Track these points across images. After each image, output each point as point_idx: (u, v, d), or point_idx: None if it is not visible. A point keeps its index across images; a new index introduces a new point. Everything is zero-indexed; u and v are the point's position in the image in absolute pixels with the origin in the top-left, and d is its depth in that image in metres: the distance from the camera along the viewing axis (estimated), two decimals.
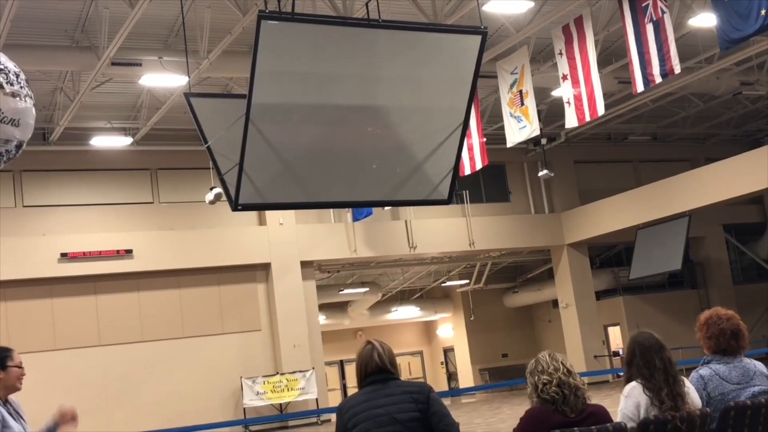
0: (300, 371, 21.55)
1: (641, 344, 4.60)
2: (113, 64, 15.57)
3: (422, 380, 31.19)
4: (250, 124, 6.75)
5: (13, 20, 13.51)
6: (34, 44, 15.43)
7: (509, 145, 17.95)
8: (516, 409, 17.76)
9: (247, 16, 14.32)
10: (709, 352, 4.85)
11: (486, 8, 14.82)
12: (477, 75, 7.47)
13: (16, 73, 4.95)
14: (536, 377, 4.34)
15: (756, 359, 4.94)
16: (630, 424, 4.39)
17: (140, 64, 16.11)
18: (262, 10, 6.76)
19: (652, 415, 4.35)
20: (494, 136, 21.40)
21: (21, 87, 4.92)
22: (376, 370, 4.38)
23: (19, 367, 4.86)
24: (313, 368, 21.77)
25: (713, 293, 27.62)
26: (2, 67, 4.90)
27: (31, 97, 4.98)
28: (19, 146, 4.97)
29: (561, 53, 16.09)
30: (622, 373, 4.82)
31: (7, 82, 4.85)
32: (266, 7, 7.87)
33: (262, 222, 22.58)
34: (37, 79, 16.81)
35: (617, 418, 4.43)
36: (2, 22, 13.40)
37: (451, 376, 31.83)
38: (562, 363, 4.32)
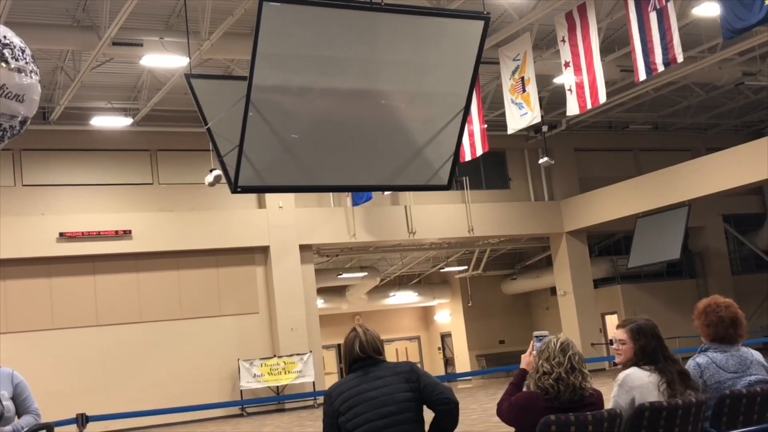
0: (297, 354, 21.61)
1: (656, 333, 4.57)
2: (114, 44, 15.53)
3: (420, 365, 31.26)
4: (251, 106, 6.73)
5: None
6: (35, 23, 15.36)
7: (510, 131, 17.92)
8: None
9: None
10: (707, 340, 4.84)
11: None
12: (479, 61, 7.44)
13: (21, 49, 4.91)
14: (540, 361, 4.34)
15: (753, 349, 4.94)
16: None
17: (141, 45, 16.06)
18: None
19: (648, 402, 4.34)
20: (495, 123, 21.36)
21: (26, 63, 4.88)
22: (359, 357, 4.42)
23: None
24: (311, 351, 21.82)
25: (711, 283, 27.65)
26: (8, 42, 4.86)
27: (36, 73, 4.94)
28: (23, 122, 4.94)
29: (563, 40, 16.04)
30: (617, 361, 4.78)
31: (12, 57, 4.81)
32: None
33: (261, 205, 22.58)
34: (38, 58, 16.62)
35: (609, 405, 4.41)
36: (3, 0, 13.35)
37: (448, 362, 31.92)
38: (569, 358, 4.26)
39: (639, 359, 4.55)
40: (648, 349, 4.54)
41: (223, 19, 15.37)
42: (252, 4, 13.75)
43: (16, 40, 4.93)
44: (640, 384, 4.45)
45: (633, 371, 4.52)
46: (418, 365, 4.52)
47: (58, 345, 19.94)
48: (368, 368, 4.38)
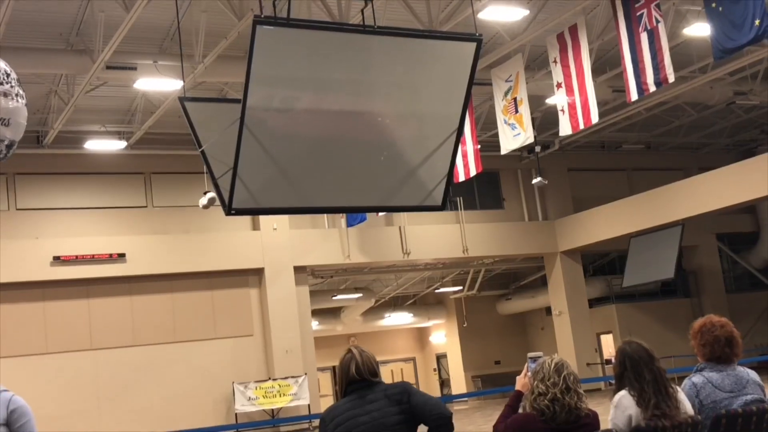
0: (292, 377, 21.51)
1: (630, 357, 4.56)
2: (108, 67, 15.57)
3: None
4: (245, 128, 6.74)
5: (9, 23, 13.50)
6: (29, 47, 15.41)
7: (503, 152, 17.97)
8: None
9: (243, 20, 14.33)
10: (703, 359, 4.85)
11: (481, 16, 14.86)
12: (471, 82, 7.48)
13: (6, 73, 4.89)
14: (535, 382, 4.33)
15: (749, 368, 4.94)
16: None
17: (135, 68, 16.10)
18: (258, 15, 6.76)
19: (643, 422, 4.34)
20: (488, 143, 21.42)
21: (12, 86, 4.86)
22: (354, 379, 4.36)
23: None
24: (306, 374, 21.73)
25: (706, 302, 27.66)
26: None
27: (22, 97, 4.92)
28: (10, 146, 4.92)
29: (555, 61, 16.13)
30: (613, 382, 4.80)
31: None
32: (262, 12, 7.86)
33: (255, 227, 22.55)
34: (31, 82, 16.78)
35: (608, 426, 4.42)
36: None
37: (444, 383, 31.81)
38: (564, 378, 4.25)
39: (617, 385, 4.64)
40: (617, 374, 4.62)
41: (217, 42, 15.42)
42: (245, 27, 13.80)
43: (1, 64, 4.92)
44: (632, 403, 4.47)
45: (623, 393, 4.56)
46: (410, 384, 4.46)
47: (52, 369, 19.83)
48: (363, 391, 4.32)
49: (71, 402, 19.79)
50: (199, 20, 15.08)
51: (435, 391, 31.10)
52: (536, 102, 19.94)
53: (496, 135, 18.10)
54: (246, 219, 22.27)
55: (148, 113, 19.02)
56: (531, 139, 17.35)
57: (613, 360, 4.69)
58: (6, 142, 4.89)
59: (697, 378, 4.76)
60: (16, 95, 4.90)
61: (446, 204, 7.95)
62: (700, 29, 16.45)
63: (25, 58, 15.18)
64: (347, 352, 4.46)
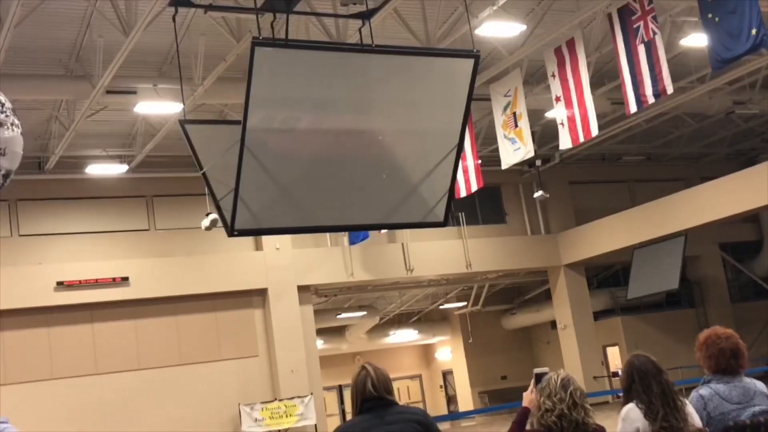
0: (298, 397, 21.43)
1: (638, 369, 4.57)
2: (108, 92, 15.60)
3: (421, 404, 31.04)
4: (245, 149, 6.76)
5: (8, 50, 13.54)
6: (29, 74, 15.47)
7: (504, 167, 17.98)
8: None
9: (241, 42, 14.38)
10: (709, 371, 4.84)
11: (478, 32, 14.90)
12: (470, 98, 7.50)
13: (1, 102, 4.89)
14: (542, 399, 4.32)
15: (755, 378, 4.93)
16: None
17: (135, 92, 16.14)
18: (256, 37, 6.80)
19: None
20: (489, 158, 21.44)
21: (6, 116, 4.86)
22: (371, 395, 4.27)
23: None
24: (312, 393, 21.65)
25: (711, 312, 27.58)
26: None
27: (18, 126, 4.92)
28: (6, 175, 4.91)
29: (554, 75, 16.16)
30: (621, 395, 4.80)
31: None
32: (260, 33, 7.90)
33: (258, 247, 22.54)
34: (32, 108, 16.86)
35: None
36: None
37: (451, 400, 31.68)
38: (570, 394, 4.24)
39: (624, 397, 4.67)
40: (625, 387, 4.64)
41: (216, 64, 15.47)
42: (244, 49, 13.85)
43: None
44: (640, 416, 4.47)
45: (631, 406, 4.56)
46: (426, 412, 4.39)
47: (57, 395, 19.77)
48: (380, 410, 4.22)
49: (78, 427, 19.70)
50: (197, 43, 15.14)
51: (442, 409, 30.98)
52: (536, 116, 19.97)
53: (497, 150, 18.12)
54: (248, 239, 22.27)
55: (149, 136, 19.06)
56: (531, 153, 17.37)
57: (620, 373, 4.70)
58: (2, 172, 4.88)
59: (704, 390, 4.75)
60: (12, 124, 4.89)
61: (448, 220, 7.96)
62: (697, 40, 16.49)
63: (26, 84, 15.24)
64: (361, 369, 4.37)
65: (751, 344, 23.73)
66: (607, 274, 29.12)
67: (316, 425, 21.48)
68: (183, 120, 8.62)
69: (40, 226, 20.81)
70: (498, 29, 15.59)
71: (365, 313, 27.52)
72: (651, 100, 14.34)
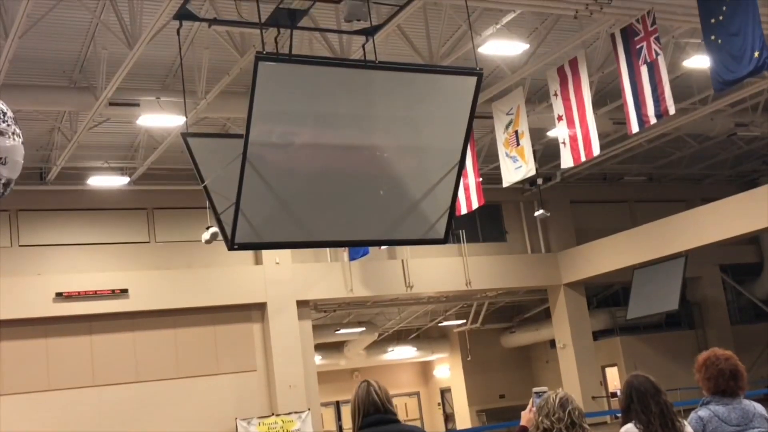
0: (296, 412, 21.35)
1: (637, 389, 4.55)
2: (111, 104, 15.63)
3: (418, 422, 30.89)
4: (247, 163, 6.77)
5: (12, 61, 13.59)
6: (32, 84, 15.51)
7: (505, 185, 17.99)
8: None
9: (245, 57, 14.43)
10: (708, 393, 4.82)
11: (481, 50, 14.95)
12: (473, 115, 7.52)
13: (2, 111, 4.90)
14: (540, 418, 4.30)
15: (755, 400, 4.91)
16: None
17: (138, 105, 16.18)
18: (260, 52, 6.81)
19: None
20: (490, 176, 21.46)
21: (8, 125, 4.87)
22: (374, 410, 4.23)
23: None
24: (309, 409, 21.58)
25: (711, 333, 27.52)
26: None
27: (19, 135, 4.92)
28: (7, 184, 4.91)
29: (556, 94, 16.19)
30: (619, 415, 4.78)
31: None
32: (264, 48, 7.92)
33: (258, 261, 22.53)
34: (34, 119, 16.89)
35: None
36: (1, 63, 13.48)
37: (448, 418, 31.54)
38: (569, 413, 4.21)
39: (623, 418, 4.65)
40: (623, 407, 4.62)
41: (219, 78, 15.51)
42: (248, 63, 13.89)
43: None
44: None
45: (629, 426, 4.54)
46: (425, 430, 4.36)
47: (55, 406, 19.70)
48: (384, 426, 4.19)
49: None
50: (201, 56, 15.19)
51: (440, 427, 30.84)
52: (537, 134, 19.99)
53: (498, 167, 18.13)
54: (248, 253, 22.25)
55: (151, 149, 19.09)
56: (533, 172, 17.37)
57: (618, 393, 4.69)
58: (3, 181, 4.89)
59: (703, 412, 4.73)
60: (13, 134, 4.90)
61: (449, 237, 7.96)
62: (699, 61, 16.54)
63: (29, 95, 15.27)
64: (363, 382, 4.35)
65: (751, 366, 23.67)
66: (606, 294, 29.08)
67: None
68: (185, 133, 8.64)
69: (40, 237, 20.80)
70: (501, 48, 15.65)
71: (364, 329, 27.47)
72: (653, 120, 14.35)
